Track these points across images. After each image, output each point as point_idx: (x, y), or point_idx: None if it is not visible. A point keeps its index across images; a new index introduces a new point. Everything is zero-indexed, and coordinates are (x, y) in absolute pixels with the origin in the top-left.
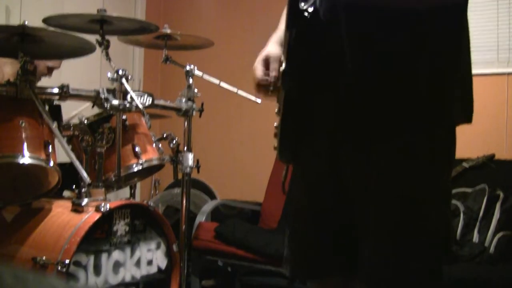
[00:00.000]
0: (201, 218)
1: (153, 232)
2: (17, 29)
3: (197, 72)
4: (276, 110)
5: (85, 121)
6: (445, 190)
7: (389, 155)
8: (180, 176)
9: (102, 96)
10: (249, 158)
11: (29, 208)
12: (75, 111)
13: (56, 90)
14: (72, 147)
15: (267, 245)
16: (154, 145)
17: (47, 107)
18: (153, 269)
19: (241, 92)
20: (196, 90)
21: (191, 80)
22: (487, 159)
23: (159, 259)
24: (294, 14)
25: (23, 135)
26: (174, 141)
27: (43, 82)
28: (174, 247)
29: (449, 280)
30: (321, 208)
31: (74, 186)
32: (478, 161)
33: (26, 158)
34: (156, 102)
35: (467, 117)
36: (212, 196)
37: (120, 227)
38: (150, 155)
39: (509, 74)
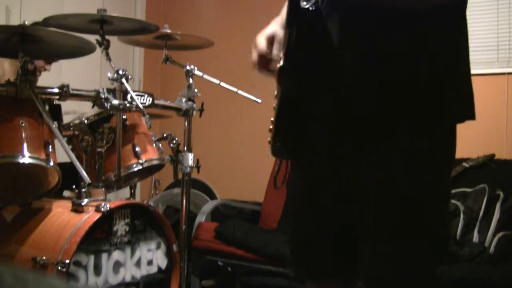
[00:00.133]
0: (201, 218)
1: (153, 232)
2: (17, 29)
3: (197, 72)
4: (274, 105)
5: (85, 121)
6: (445, 190)
7: (389, 155)
8: (180, 176)
9: (102, 96)
10: (249, 158)
11: (29, 208)
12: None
13: (56, 90)
14: (72, 147)
15: (267, 245)
16: (154, 145)
17: (47, 107)
18: (153, 269)
19: (241, 92)
20: (196, 90)
21: (191, 80)
22: (487, 159)
23: (159, 259)
24: (295, 13)
25: (23, 135)
26: (174, 141)
27: (43, 82)
28: (174, 247)
29: (449, 280)
30: (321, 208)
31: (74, 186)
32: (478, 161)
33: (26, 158)
34: (156, 102)
35: (470, 114)
36: (212, 196)
37: (120, 227)
38: (150, 155)
39: (509, 74)
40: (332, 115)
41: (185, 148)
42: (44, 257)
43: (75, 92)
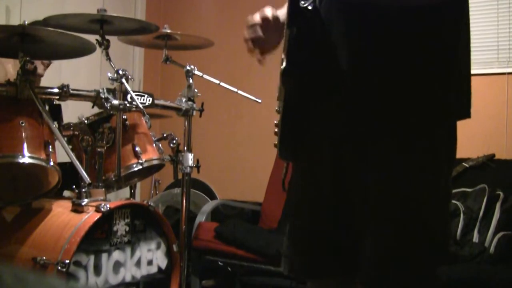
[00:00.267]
0: (201, 218)
1: (153, 232)
2: (17, 29)
3: (197, 72)
4: (276, 108)
5: (85, 121)
6: (446, 189)
7: (389, 155)
8: (180, 176)
9: (102, 96)
10: (249, 158)
11: (29, 208)
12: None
13: (56, 90)
14: (72, 147)
15: (267, 245)
16: (154, 145)
17: (47, 107)
18: (153, 269)
19: (241, 92)
20: (196, 90)
21: (191, 80)
22: (487, 159)
23: (159, 259)
24: (295, 12)
25: (23, 135)
26: (174, 141)
27: (43, 82)
28: (174, 247)
29: (449, 280)
30: (321, 208)
31: (74, 186)
32: (478, 161)
33: (26, 158)
34: (156, 102)
35: (466, 112)
36: (212, 196)
37: (120, 227)
38: (150, 155)
39: (509, 74)
40: (332, 115)
41: (185, 148)
42: (44, 257)
43: (75, 92)
